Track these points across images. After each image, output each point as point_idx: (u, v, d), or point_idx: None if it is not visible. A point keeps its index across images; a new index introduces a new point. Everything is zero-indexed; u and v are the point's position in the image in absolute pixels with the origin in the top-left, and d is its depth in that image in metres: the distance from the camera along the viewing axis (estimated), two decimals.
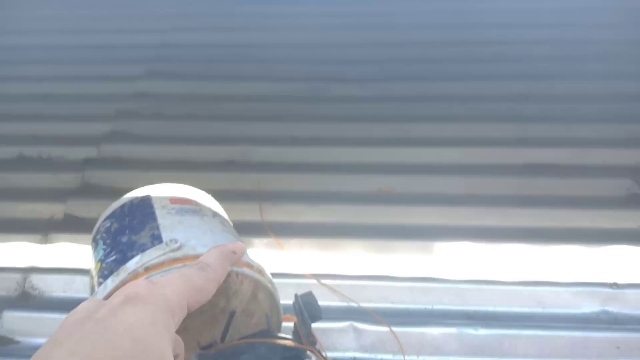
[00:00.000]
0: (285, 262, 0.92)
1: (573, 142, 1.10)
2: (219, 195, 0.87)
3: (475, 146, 1.11)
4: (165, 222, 0.66)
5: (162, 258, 0.59)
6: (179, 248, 0.60)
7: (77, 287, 0.90)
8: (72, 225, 1.01)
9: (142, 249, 0.61)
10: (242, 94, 1.24)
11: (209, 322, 0.79)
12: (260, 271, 0.66)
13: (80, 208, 1.02)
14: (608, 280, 0.87)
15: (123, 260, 0.61)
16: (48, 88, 1.30)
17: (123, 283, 0.58)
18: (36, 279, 0.92)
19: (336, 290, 0.87)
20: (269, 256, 0.93)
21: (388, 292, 0.88)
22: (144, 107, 1.23)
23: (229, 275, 0.83)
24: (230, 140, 1.14)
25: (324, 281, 0.88)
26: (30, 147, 1.16)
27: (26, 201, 1.05)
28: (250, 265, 0.64)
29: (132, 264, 0.59)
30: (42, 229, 1.00)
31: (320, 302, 0.85)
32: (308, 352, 0.61)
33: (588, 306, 0.85)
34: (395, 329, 0.82)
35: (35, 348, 0.82)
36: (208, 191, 0.85)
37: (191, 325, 0.82)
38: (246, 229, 0.98)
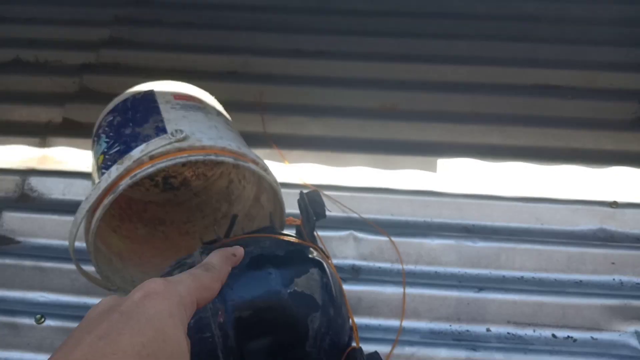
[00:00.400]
0: (287, 173, 0.91)
1: (582, 64, 1.08)
2: (222, 104, 0.85)
3: (484, 65, 1.08)
4: (170, 116, 0.65)
5: (168, 147, 0.58)
6: (184, 138, 0.59)
7: (76, 191, 0.90)
8: (70, 130, 0.99)
9: (147, 139, 0.60)
10: (246, 4, 1.20)
11: (210, 227, 0.80)
12: (265, 169, 0.65)
13: (78, 112, 1.01)
14: (608, 199, 0.87)
15: (127, 150, 0.60)
16: None
17: (127, 170, 0.57)
18: (35, 181, 0.91)
19: (337, 201, 0.87)
20: (272, 167, 0.92)
21: (388, 204, 0.88)
22: (143, 12, 1.19)
23: (230, 181, 0.84)
24: (233, 50, 1.10)
25: (325, 192, 0.88)
26: (27, 50, 1.13)
27: (24, 105, 1.03)
28: (256, 161, 0.63)
29: (137, 152, 0.58)
30: (41, 133, 0.99)
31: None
32: (311, 249, 0.61)
33: (586, 224, 0.86)
34: (395, 239, 0.83)
35: (35, 248, 0.83)
36: None
37: (193, 229, 0.83)
38: (248, 140, 0.96)
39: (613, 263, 0.80)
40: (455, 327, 0.75)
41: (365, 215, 0.86)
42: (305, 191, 0.65)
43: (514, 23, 1.16)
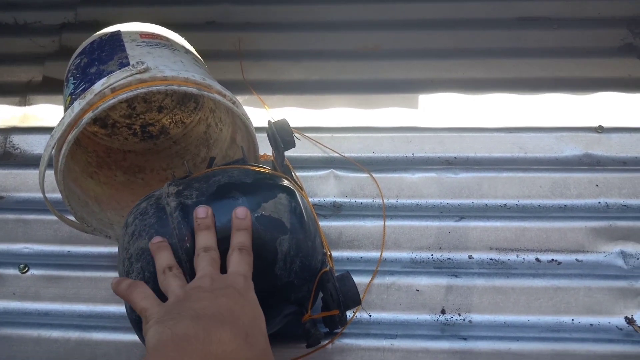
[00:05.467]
0: (267, 118, 0.91)
1: None
2: (199, 54, 0.84)
3: (466, 0, 1.06)
4: (134, 52, 0.65)
5: (129, 79, 0.58)
6: (145, 70, 0.58)
7: None
8: (51, 87, 0.99)
9: (110, 75, 0.60)
10: None
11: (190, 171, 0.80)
12: (234, 102, 0.64)
13: (58, 70, 1.00)
14: (593, 125, 0.86)
15: (91, 87, 0.60)
16: None
17: (90, 104, 0.57)
18: (17, 139, 0.92)
19: (318, 142, 0.86)
20: (252, 113, 0.91)
21: (370, 142, 0.87)
22: None
23: (208, 125, 0.83)
24: (210, 0, 1.08)
25: (307, 134, 0.87)
26: (5, 13, 1.12)
27: (4, 66, 1.03)
28: (222, 93, 0.63)
29: (99, 85, 0.57)
30: (21, 92, 0.98)
31: (302, 154, 0.86)
32: (281, 177, 0.61)
33: (571, 150, 0.84)
34: (376, 174, 0.82)
35: (19, 202, 0.84)
36: None
37: (172, 175, 0.82)
38: (228, 87, 0.96)
39: (597, 185, 0.79)
40: (437, 255, 0.74)
41: (347, 154, 0.85)
42: (272, 121, 0.65)
43: None
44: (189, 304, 0.45)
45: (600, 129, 0.85)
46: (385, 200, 0.80)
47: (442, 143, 0.86)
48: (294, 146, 0.64)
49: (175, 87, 0.58)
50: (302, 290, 0.56)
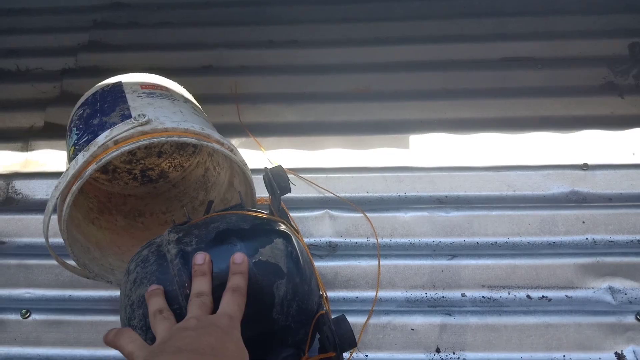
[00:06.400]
0: (263, 160, 0.93)
1: (551, 35, 1.09)
2: (196, 99, 0.87)
3: (453, 42, 1.10)
4: (135, 104, 0.67)
5: (131, 131, 0.60)
6: (147, 122, 0.61)
7: None
8: (52, 133, 1.02)
9: (113, 127, 0.62)
10: (220, 0, 1.22)
11: (189, 216, 0.82)
12: (232, 150, 0.67)
13: (59, 115, 1.03)
14: (579, 162, 0.89)
15: (94, 139, 0.62)
16: (24, 2, 1.26)
17: (93, 156, 0.59)
18: (19, 184, 0.94)
19: (313, 182, 0.89)
20: (248, 155, 0.94)
21: (363, 182, 0.90)
22: (120, 16, 1.21)
23: (206, 169, 0.86)
24: (207, 46, 1.12)
25: (302, 175, 0.90)
26: (7, 60, 1.15)
27: (6, 112, 1.06)
28: (220, 142, 0.65)
29: (102, 137, 0.60)
30: (23, 137, 1.01)
31: (298, 194, 0.89)
32: (278, 222, 0.63)
33: (558, 187, 0.87)
34: (369, 214, 0.84)
35: (20, 247, 0.85)
36: None
37: (172, 219, 0.84)
38: (225, 130, 0.98)
39: (584, 222, 0.81)
40: (431, 294, 0.76)
41: (341, 194, 0.88)
42: (269, 167, 0.67)
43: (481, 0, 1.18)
44: (172, 342, 0.46)
45: (585, 167, 0.88)
46: (379, 240, 0.82)
47: (433, 182, 0.89)
48: (290, 191, 0.66)
49: (175, 138, 0.61)
50: (300, 333, 0.58)
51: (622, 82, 1.03)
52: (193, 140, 0.62)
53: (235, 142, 0.97)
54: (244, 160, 0.69)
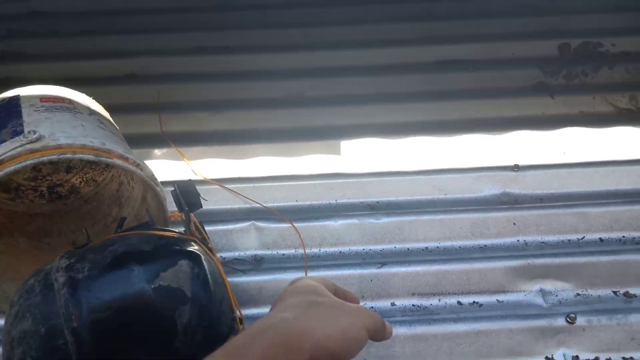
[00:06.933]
0: (186, 171, 0.89)
1: (483, 37, 1.09)
2: (117, 109, 0.83)
3: (386, 47, 1.08)
4: (31, 119, 0.62)
5: (19, 150, 0.55)
6: (38, 139, 0.56)
7: None
8: None
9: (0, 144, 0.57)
10: (144, 7, 1.17)
11: (101, 233, 0.77)
12: (138, 165, 0.62)
13: None
14: (510, 164, 0.88)
15: None
16: None
17: None
18: None
19: (239, 193, 0.85)
20: (172, 166, 0.90)
21: (293, 191, 0.86)
22: (39, 24, 1.14)
23: (120, 183, 0.81)
24: (131, 54, 1.07)
25: (227, 185, 0.86)
26: None
27: None
28: (124, 157, 0.61)
29: None
30: None
31: (223, 206, 0.85)
32: (186, 241, 0.59)
33: (489, 189, 0.86)
34: (298, 224, 0.81)
35: None
36: (105, 106, 0.81)
37: (82, 238, 0.79)
38: (146, 141, 0.95)
39: (514, 224, 0.80)
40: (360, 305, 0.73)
41: (270, 204, 0.84)
42: (178, 181, 0.63)
43: (412, 3, 1.16)
44: None
45: (516, 168, 0.87)
46: (308, 250, 0.79)
47: (364, 188, 0.86)
48: (200, 207, 0.62)
49: (69, 156, 0.56)
50: None
51: (552, 82, 1.03)
52: (90, 157, 0.57)
53: (157, 153, 0.92)
54: (152, 175, 0.64)
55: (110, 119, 0.78)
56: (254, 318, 0.71)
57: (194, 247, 0.58)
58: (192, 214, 0.66)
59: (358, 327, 0.44)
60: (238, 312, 0.60)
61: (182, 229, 0.64)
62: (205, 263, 0.56)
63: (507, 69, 1.04)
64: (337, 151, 0.92)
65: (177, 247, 0.57)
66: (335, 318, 0.43)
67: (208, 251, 0.60)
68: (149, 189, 0.71)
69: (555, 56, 1.07)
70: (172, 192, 0.63)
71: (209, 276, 0.55)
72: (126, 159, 0.61)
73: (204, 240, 0.63)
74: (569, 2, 1.14)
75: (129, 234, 0.58)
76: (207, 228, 0.79)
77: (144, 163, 0.65)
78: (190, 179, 0.64)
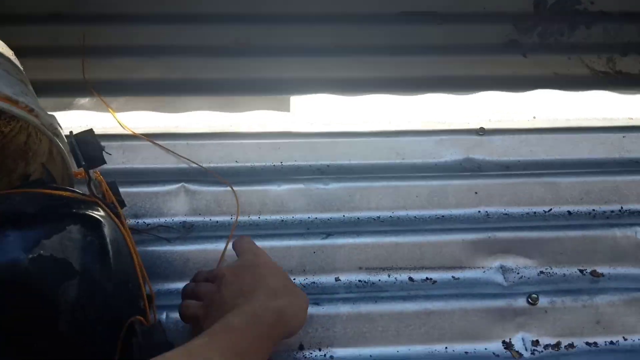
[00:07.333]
0: (111, 123, 0.78)
1: None
2: (36, 52, 0.71)
3: None
4: None
5: None
6: None
7: None
8: None
9: None
10: None
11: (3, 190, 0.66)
12: (32, 110, 0.51)
13: None
14: (475, 127, 0.80)
15: None
16: None
17: None
18: None
19: (170, 150, 0.75)
20: (92, 117, 0.79)
21: (233, 150, 0.77)
22: None
23: (29, 135, 0.69)
24: None
25: (158, 141, 0.75)
26: None
27: None
28: (13, 100, 0.50)
29: None
30: None
31: (152, 165, 0.74)
32: (84, 203, 0.49)
33: (451, 155, 0.78)
34: (237, 187, 0.71)
35: None
36: (23, 47, 0.69)
37: None
38: (67, 89, 0.83)
39: (476, 193, 0.72)
40: (300, 280, 0.65)
41: (204, 164, 0.74)
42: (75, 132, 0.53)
43: None
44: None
45: (482, 131, 0.79)
46: (245, 218, 0.70)
47: (315, 150, 0.77)
48: (104, 163, 0.52)
49: None
50: (104, 349, 0.44)
51: (526, 41, 0.94)
52: None
53: (79, 102, 0.81)
54: (50, 123, 0.53)
55: (12, 56, 0.66)
56: (176, 293, 0.61)
57: (94, 211, 0.48)
58: (98, 172, 0.56)
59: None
60: (148, 289, 0.51)
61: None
62: (105, 230, 0.47)
63: (477, 24, 0.94)
64: (285, 107, 0.83)
65: (70, 210, 0.47)
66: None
67: (113, 216, 0.51)
68: (54, 143, 0.60)
69: (530, 12, 0.98)
70: (68, 143, 0.53)
71: (108, 245, 0.46)
72: (15, 102, 0.50)
73: (110, 203, 0.53)
74: None
75: (13, 193, 0.48)
76: (129, 190, 0.69)
77: (42, 110, 0.54)
78: (90, 129, 0.53)
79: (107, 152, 0.53)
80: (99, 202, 0.51)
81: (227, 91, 0.83)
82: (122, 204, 0.59)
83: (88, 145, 0.51)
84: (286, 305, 0.51)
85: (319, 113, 0.82)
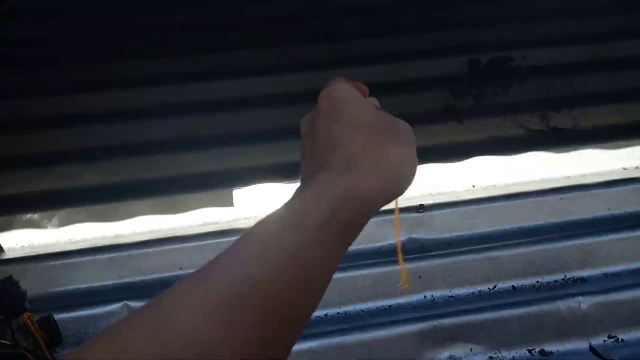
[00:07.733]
0: (52, 238, 0.77)
1: (389, 57, 1.01)
2: None
3: (285, 73, 0.98)
4: None
5: None
6: None
7: None
8: None
9: None
10: None
11: None
12: None
13: None
14: (414, 204, 0.80)
15: None
16: None
17: None
18: None
19: (112, 263, 0.74)
20: (33, 235, 0.78)
21: (176, 256, 0.76)
22: None
23: None
24: None
25: (100, 256, 0.75)
26: None
27: None
28: None
29: None
30: None
31: (95, 284, 0.73)
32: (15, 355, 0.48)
33: (393, 237, 0.78)
34: None
35: None
36: None
37: None
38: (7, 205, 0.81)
39: (420, 277, 0.73)
40: None
41: (149, 276, 0.74)
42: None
43: (318, 22, 1.07)
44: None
45: (421, 208, 0.80)
46: None
47: None
48: (25, 311, 0.51)
49: None
50: None
51: (461, 105, 0.96)
52: None
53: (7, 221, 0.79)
54: None
55: None
56: None
57: None
58: (29, 315, 0.55)
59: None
60: None
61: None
62: None
63: (414, 92, 0.96)
64: (228, 202, 0.82)
65: None
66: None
67: None
68: None
69: (464, 72, 1.00)
70: None
71: None
72: None
73: (36, 350, 0.52)
74: (478, 13, 1.06)
75: None
76: (70, 315, 0.68)
77: None
78: (10, 275, 0.52)
79: (27, 303, 0.52)
80: (25, 353, 0.49)
81: (169, 192, 0.82)
82: (58, 338, 0.58)
83: (6, 297, 0.50)
84: (363, 179, 0.35)
85: (263, 205, 0.82)
